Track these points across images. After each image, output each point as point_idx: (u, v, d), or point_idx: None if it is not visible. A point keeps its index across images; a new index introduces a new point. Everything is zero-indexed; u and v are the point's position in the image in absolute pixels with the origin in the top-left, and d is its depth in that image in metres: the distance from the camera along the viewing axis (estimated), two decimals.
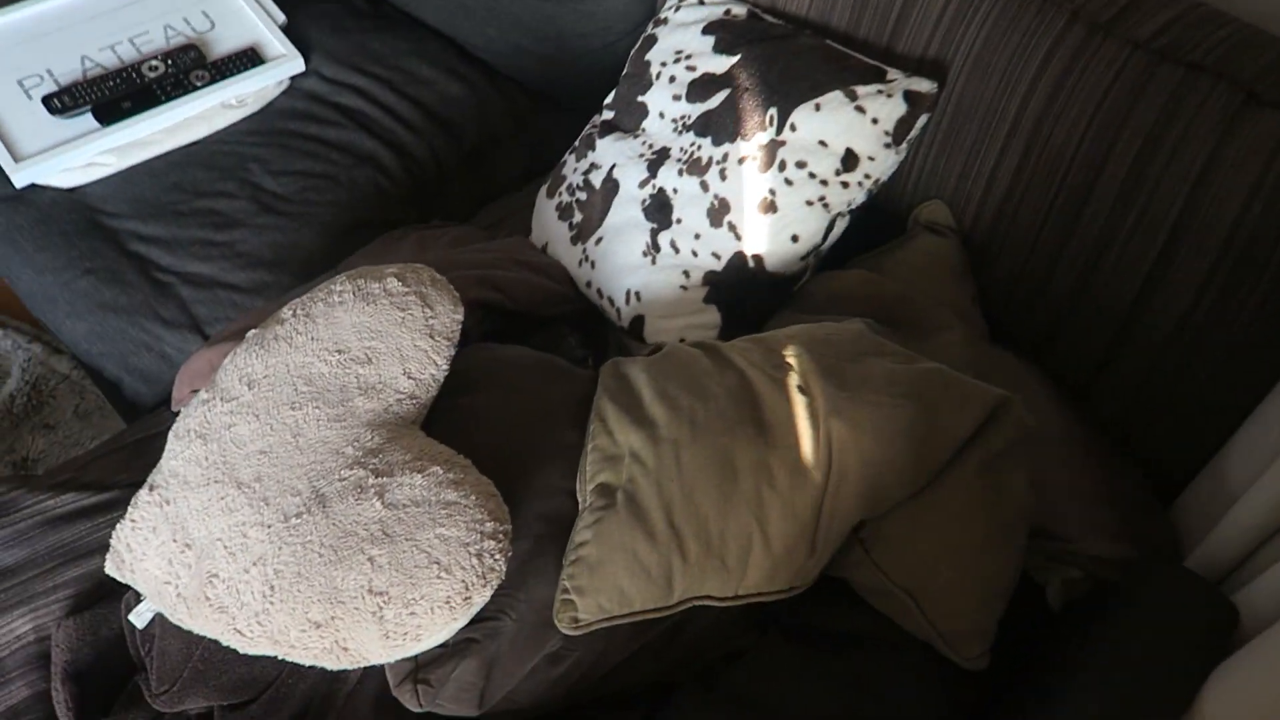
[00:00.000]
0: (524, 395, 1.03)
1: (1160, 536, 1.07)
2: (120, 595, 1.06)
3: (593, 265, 1.25)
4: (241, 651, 0.86)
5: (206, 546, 0.89)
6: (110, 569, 0.96)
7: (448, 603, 0.81)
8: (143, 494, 0.95)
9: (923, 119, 1.10)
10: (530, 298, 1.21)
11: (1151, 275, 1.01)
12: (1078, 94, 1.02)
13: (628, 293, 1.20)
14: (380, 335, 0.97)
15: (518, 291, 1.19)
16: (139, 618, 0.96)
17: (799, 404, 0.92)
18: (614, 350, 1.24)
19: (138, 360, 1.36)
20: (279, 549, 0.85)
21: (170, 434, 0.98)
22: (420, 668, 0.86)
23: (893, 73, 1.12)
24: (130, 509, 0.95)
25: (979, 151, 1.12)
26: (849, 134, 1.10)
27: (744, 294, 1.16)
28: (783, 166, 1.12)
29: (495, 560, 0.83)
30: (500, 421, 0.99)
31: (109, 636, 1.05)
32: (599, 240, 1.24)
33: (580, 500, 0.94)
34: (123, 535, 0.95)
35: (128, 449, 1.27)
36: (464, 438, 0.94)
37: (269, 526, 0.87)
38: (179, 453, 0.95)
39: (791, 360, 0.97)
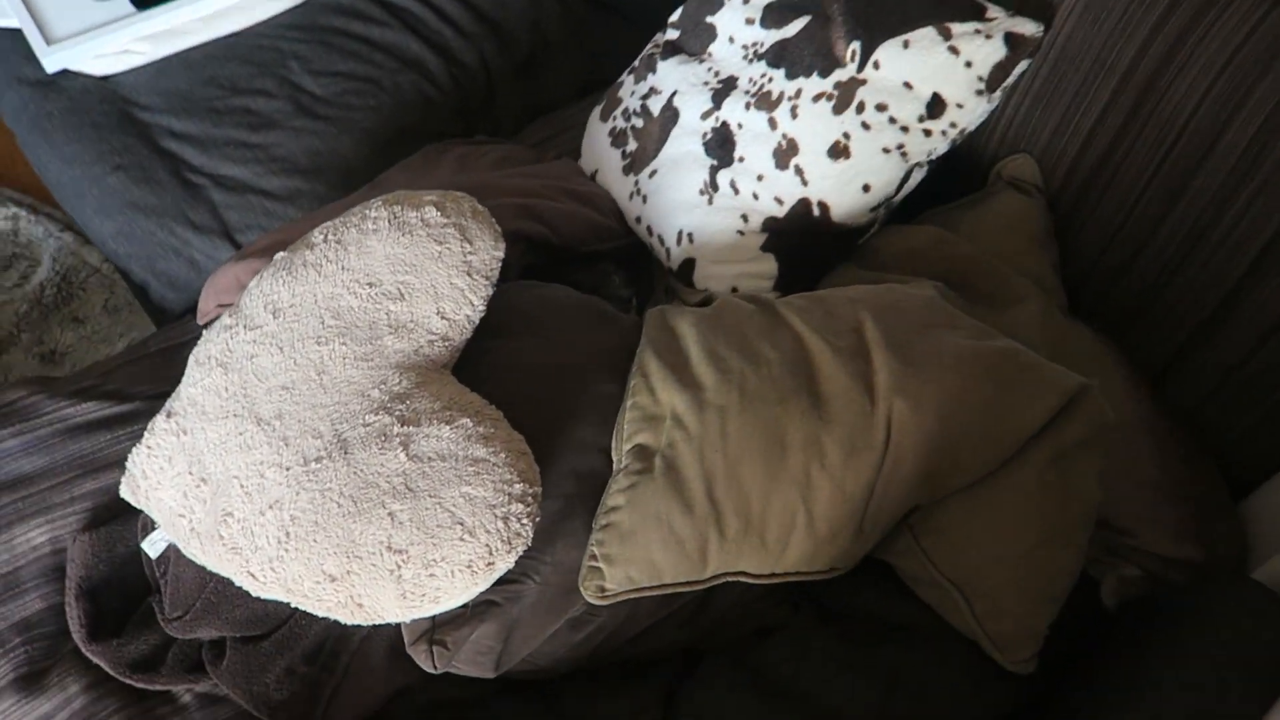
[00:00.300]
0: (562, 341, 0.96)
1: (1229, 539, 0.99)
2: (138, 513, 1.03)
3: (644, 200, 1.16)
4: (254, 594, 0.83)
5: (223, 483, 0.85)
6: (125, 492, 0.92)
7: (469, 567, 0.77)
8: (160, 420, 0.91)
9: (1022, 65, 0.99)
10: (575, 232, 1.13)
11: (1261, 260, 0.91)
12: (1202, 50, 0.91)
13: (680, 233, 1.13)
14: (415, 269, 0.90)
15: (562, 225, 1.11)
16: (152, 546, 0.93)
17: (859, 377, 0.85)
18: (661, 294, 1.17)
19: (165, 265, 1.31)
20: (297, 494, 0.81)
21: (191, 358, 0.93)
22: (437, 628, 0.82)
23: (993, 10, 1.01)
24: (147, 434, 0.91)
25: (1080, 105, 1.02)
26: (938, 77, 1.00)
27: (805, 244, 1.08)
28: (861, 108, 1.02)
29: (522, 525, 0.78)
30: (535, 368, 0.93)
31: (124, 554, 1.03)
32: (653, 173, 1.16)
33: (615, 459, 0.89)
34: (138, 460, 0.91)
35: (153, 358, 1.23)
36: (495, 384, 0.88)
37: (288, 469, 0.82)
38: (198, 380, 0.90)
39: (854, 327, 0.89)
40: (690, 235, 1.12)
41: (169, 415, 0.90)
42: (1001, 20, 0.99)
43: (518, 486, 0.79)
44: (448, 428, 0.82)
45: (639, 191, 1.17)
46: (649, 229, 1.17)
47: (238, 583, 0.83)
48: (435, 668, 0.81)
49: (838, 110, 1.03)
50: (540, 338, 0.96)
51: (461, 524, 0.77)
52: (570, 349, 0.96)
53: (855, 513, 0.83)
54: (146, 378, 1.18)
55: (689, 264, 1.12)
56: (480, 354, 0.93)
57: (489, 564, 0.77)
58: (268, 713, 0.93)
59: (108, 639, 0.99)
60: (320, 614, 0.79)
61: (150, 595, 1.01)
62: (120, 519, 1.05)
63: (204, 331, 0.95)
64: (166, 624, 0.97)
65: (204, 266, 1.31)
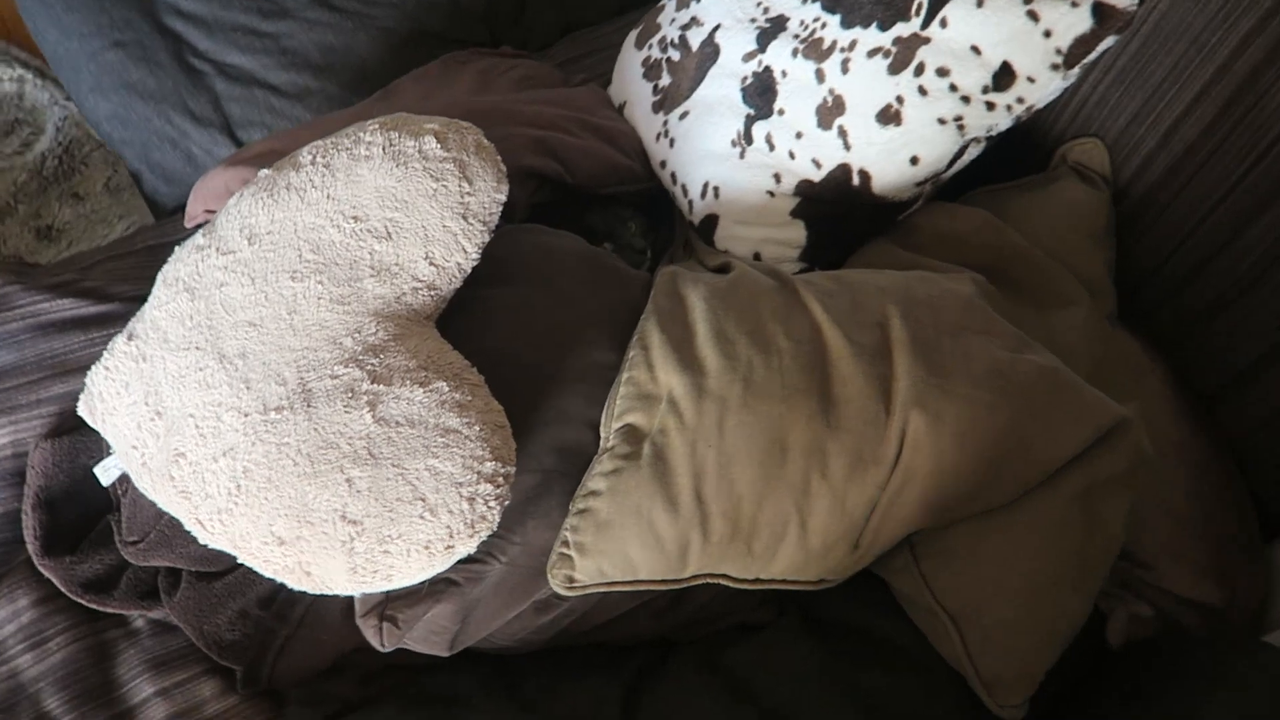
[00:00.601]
0: (560, 297, 0.89)
1: (1251, 586, 0.92)
2: None
3: (671, 143, 1.07)
4: (201, 542, 0.77)
5: (178, 420, 0.79)
6: (83, 411, 0.87)
7: (427, 548, 0.71)
8: (120, 341, 0.84)
9: (1108, 41, 0.87)
10: (593, 171, 1.04)
11: None
12: None
13: (705, 185, 1.03)
14: (405, 207, 0.82)
15: (580, 163, 1.02)
16: (105, 473, 0.88)
17: (877, 381, 0.77)
18: (680, 250, 1.08)
19: (160, 156, 1.23)
20: (253, 444, 0.75)
21: (159, 277, 0.86)
22: (390, 602, 0.77)
23: None
24: (106, 354, 0.85)
25: (1167, 92, 0.90)
26: (1011, 44, 0.88)
27: (839, 214, 0.98)
28: (920, 70, 0.91)
29: (489, 507, 0.71)
30: (526, 325, 0.86)
31: (86, 465, 0.98)
32: (684, 115, 1.06)
33: (603, 437, 0.82)
34: (97, 380, 0.85)
35: (138, 255, 1.17)
36: (480, 340, 0.81)
37: (246, 415, 0.76)
38: (164, 303, 0.84)
39: (880, 321, 0.81)
40: (716, 189, 1.02)
41: (130, 337, 0.84)
42: None
43: (489, 465, 0.72)
44: (420, 391, 0.75)
45: (667, 133, 1.07)
46: (673, 176, 1.07)
47: (186, 526, 0.78)
48: (384, 645, 0.76)
49: (894, 70, 0.92)
50: (538, 292, 0.88)
51: (423, 500, 0.71)
52: (569, 307, 0.88)
53: (853, 529, 0.76)
54: (129, 277, 1.12)
55: (711, 221, 1.03)
56: (469, 303, 0.85)
57: (448, 547, 0.71)
58: (218, 652, 0.90)
59: (62, 554, 0.95)
60: (267, 574, 0.74)
61: (110, 513, 0.97)
62: (85, 429, 1.00)
63: (176, 249, 0.88)
64: (123, 547, 0.92)
65: (201, 162, 1.23)
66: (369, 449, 0.73)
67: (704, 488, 0.76)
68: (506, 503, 0.72)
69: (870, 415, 0.76)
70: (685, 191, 1.06)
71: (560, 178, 1.00)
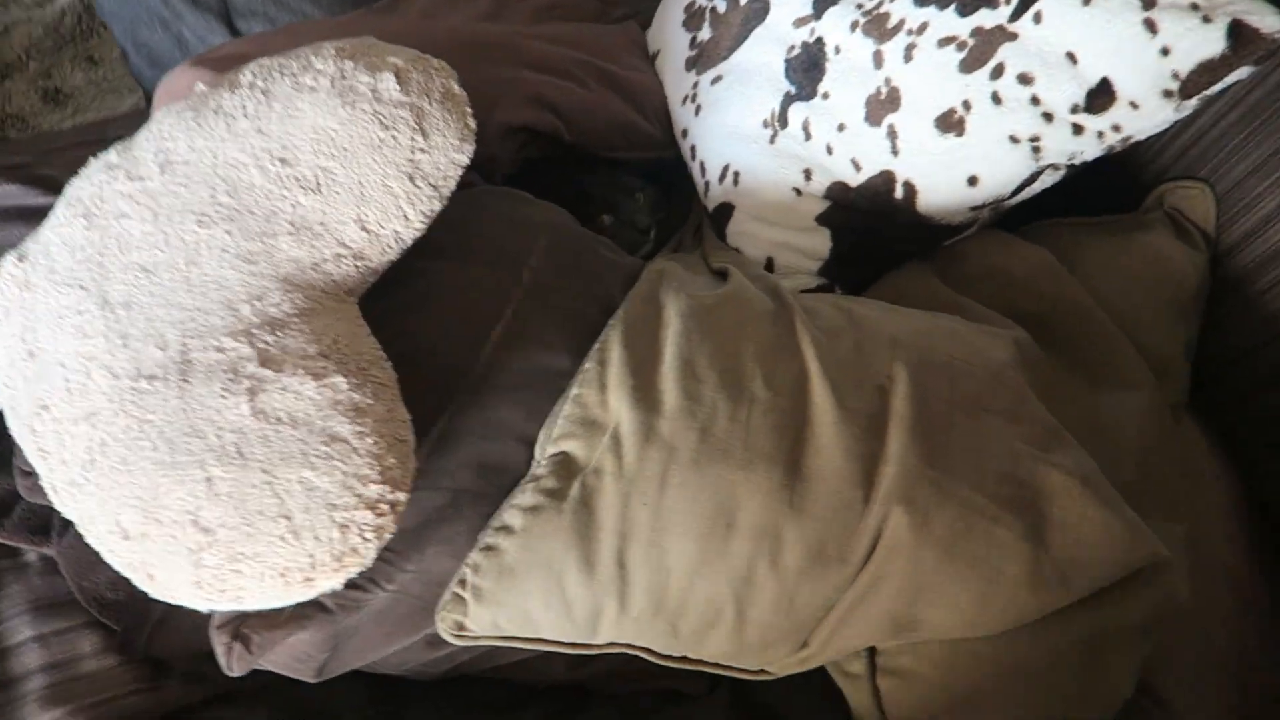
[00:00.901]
0: (520, 284, 0.75)
1: None
2: None
3: (698, 110, 0.91)
4: (55, 506, 0.68)
5: (48, 366, 0.68)
6: None
7: (283, 575, 0.60)
8: (9, 260, 0.74)
9: (1242, 71, 0.69)
10: (597, 131, 0.89)
11: None
12: None
13: (725, 168, 0.88)
14: (344, 156, 0.69)
15: (582, 120, 0.87)
16: None
17: (860, 460, 0.63)
18: (689, 237, 0.93)
19: (149, 34, 1.12)
20: (116, 413, 0.64)
21: (64, 192, 0.75)
22: (246, 620, 0.66)
23: None
24: None
25: None
26: (1117, 57, 0.71)
27: (873, 230, 0.82)
28: (998, 72, 0.74)
29: (364, 540, 0.60)
30: (469, 313, 0.73)
31: None
32: (717, 79, 0.90)
33: (535, 459, 0.70)
34: None
35: (105, 146, 1.06)
36: (407, 322, 0.69)
37: (116, 377, 0.65)
38: (60, 224, 0.72)
39: (882, 383, 0.66)
40: (736, 175, 0.87)
41: (21, 258, 0.73)
42: (1234, 2, 0.68)
43: (373, 488, 0.61)
44: (312, 384, 0.63)
45: (695, 97, 0.92)
46: (693, 149, 0.92)
47: (43, 484, 0.68)
48: (230, 668, 0.66)
49: (966, 66, 0.75)
50: (493, 274, 0.75)
51: (288, 518, 0.60)
52: (529, 297, 0.75)
53: (799, 630, 0.63)
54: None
55: (725, 210, 0.88)
56: (409, 276, 0.73)
57: (307, 579, 0.60)
58: (98, 609, 0.82)
59: None
60: (114, 565, 0.64)
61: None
62: None
63: (90, 160, 0.76)
64: (18, 475, 0.84)
65: (192, 48, 1.11)
66: (239, 446, 0.61)
67: (629, 552, 0.63)
68: (388, 536, 0.61)
69: (844, 501, 0.62)
70: (703, 170, 0.90)
71: (556, 134, 0.86)
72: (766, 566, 0.62)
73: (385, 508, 0.61)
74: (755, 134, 0.86)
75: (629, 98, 0.92)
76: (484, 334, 0.72)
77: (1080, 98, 0.72)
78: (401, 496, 0.61)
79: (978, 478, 0.62)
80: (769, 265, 0.85)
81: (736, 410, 0.65)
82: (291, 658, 0.67)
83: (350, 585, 0.65)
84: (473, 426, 0.70)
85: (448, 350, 0.71)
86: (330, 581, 0.60)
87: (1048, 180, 0.79)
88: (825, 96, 0.82)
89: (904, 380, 0.66)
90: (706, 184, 0.90)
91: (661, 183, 0.95)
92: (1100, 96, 0.72)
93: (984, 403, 0.66)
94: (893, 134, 0.79)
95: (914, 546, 0.60)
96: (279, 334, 0.65)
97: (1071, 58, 0.72)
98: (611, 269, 0.80)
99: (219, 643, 0.66)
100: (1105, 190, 0.87)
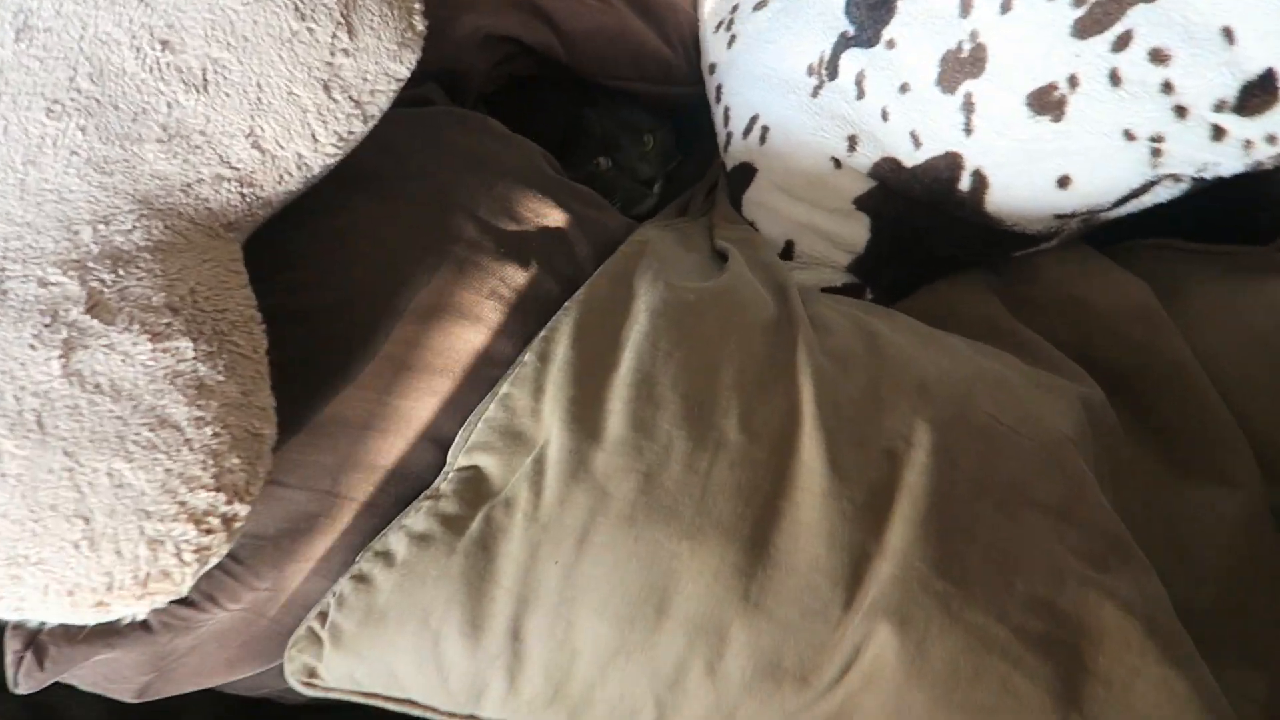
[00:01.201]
0: (464, 242, 0.59)
1: None
2: None
3: (732, 40, 0.73)
4: None
5: None
6: None
7: (70, 595, 0.46)
8: None
9: None
10: (605, 55, 0.72)
11: None
12: None
13: (753, 120, 0.70)
14: (243, 47, 0.53)
15: (584, 40, 0.70)
16: None
17: (847, 550, 0.47)
18: (700, 196, 0.76)
19: None
20: None
21: None
22: (43, 629, 0.53)
23: None
24: None
25: None
26: None
27: (925, 225, 0.65)
28: (1123, 42, 0.55)
29: (179, 565, 0.46)
30: (384, 268, 0.57)
31: None
32: (759, 5, 0.71)
33: (446, 467, 0.55)
34: None
35: None
36: (299, 270, 0.54)
37: None
38: None
39: (893, 448, 0.49)
40: (765, 130, 0.69)
41: None
42: None
43: (202, 496, 0.46)
44: (149, 346, 0.48)
45: (731, 24, 0.73)
46: (719, 90, 0.74)
47: None
48: (16, 683, 0.53)
49: (1081, 30, 0.56)
50: (429, 226, 0.59)
51: (85, 520, 0.46)
52: (469, 261, 0.59)
53: None
54: None
55: (745, 173, 0.70)
56: (324, 212, 0.57)
57: (100, 603, 0.46)
58: None
59: None
60: None
61: None
62: None
63: None
64: None
65: None
66: (39, 415, 0.47)
67: (528, 620, 0.48)
68: (214, 560, 0.46)
69: (817, 602, 0.46)
70: (727, 118, 0.73)
71: (550, 53, 0.69)
72: (702, 671, 0.47)
73: (215, 523, 0.46)
74: (796, 81, 0.67)
75: (649, 15, 0.73)
76: (403, 297, 0.57)
77: (1232, 92, 0.53)
78: (240, 510, 0.47)
79: (1002, 600, 0.46)
80: (787, 250, 0.68)
81: (696, 456, 0.49)
82: (102, 677, 0.54)
83: (179, 600, 0.52)
84: (373, 419, 0.55)
85: (350, 316, 0.55)
86: (130, 609, 0.46)
87: (1163, 194, 0.60)
88: (890, 45, 0.63)
89: (925, 446, 0.49)
90: (729, 136, 0.72)
91: (677, 126, 0.78)
92: (1259, 94, 0.53)
93: (1028, 492, 0.49)
94: (969, 106, 0.60)
95: (900, 681, 0.45)
96: (120, 272, 0.50)
97: (1228, 35, 0.53)
98: (589, 230, 0.63)
99: (10, 650, 0.53)
100: (1235, 209, 0.68)
